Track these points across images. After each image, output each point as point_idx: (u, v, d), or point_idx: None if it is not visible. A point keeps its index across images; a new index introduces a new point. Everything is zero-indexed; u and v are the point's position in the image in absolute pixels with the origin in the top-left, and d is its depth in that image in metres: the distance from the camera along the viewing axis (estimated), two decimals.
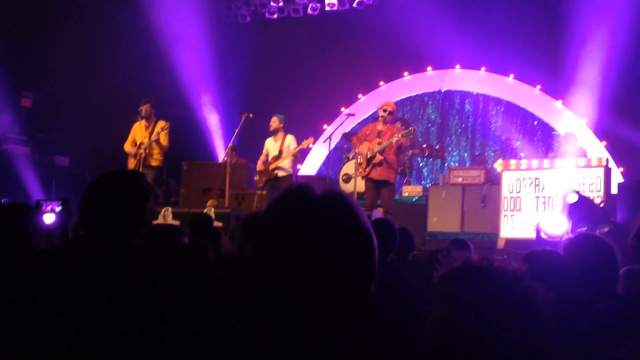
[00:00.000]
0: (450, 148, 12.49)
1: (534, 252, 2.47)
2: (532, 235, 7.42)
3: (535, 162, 8.83)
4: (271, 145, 9.30)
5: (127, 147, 9.42)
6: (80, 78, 11.50)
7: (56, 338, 2.07)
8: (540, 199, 8.41)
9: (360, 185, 9.29)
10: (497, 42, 11.41)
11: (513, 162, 9.05)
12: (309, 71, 12.85)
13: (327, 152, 11.63)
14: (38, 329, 2.09)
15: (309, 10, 13.19)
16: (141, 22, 11.83)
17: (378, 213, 8.02)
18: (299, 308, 1.18)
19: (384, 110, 8.47)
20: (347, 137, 11.51)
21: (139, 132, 9.40)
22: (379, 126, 8.49)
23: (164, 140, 9.24)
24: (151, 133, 9.22)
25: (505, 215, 8.62)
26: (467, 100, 12.61)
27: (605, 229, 6.06)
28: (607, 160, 8.45)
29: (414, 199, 10.08)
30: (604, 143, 10.77)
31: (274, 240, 1.21)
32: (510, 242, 8.34)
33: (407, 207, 9.82)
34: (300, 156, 9.72)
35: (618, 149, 10.45)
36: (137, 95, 9.81)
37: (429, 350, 1.42)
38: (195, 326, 2.51)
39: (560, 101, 11.46)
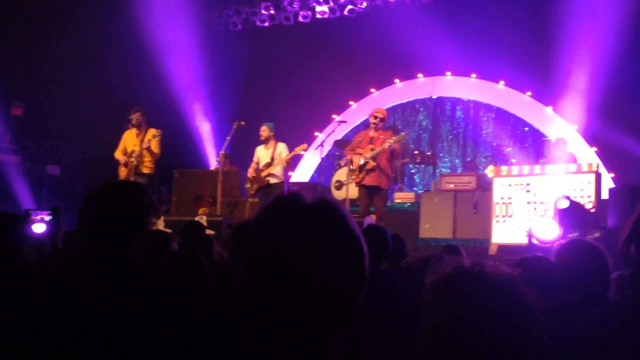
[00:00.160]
0: (441, 154, 12.52)
1: (525, 258, 2.48)
2: (524, 241, 7.45)
3: (526, 168, 8.87)
4: (262, 153, 9.29)
5: (118, 155, 9.39)
6: (71, 87, 11.46)
7: (49, 348, 2.05)
8: (532, 204, 8.44)
9: (352, 192, 9.30)
10: (487, 49, 11.47)
11: (504, 168, 9.09)
12: (300, 79, 12.87)
13: (318, 159, 11.64)
14: (30, 339, 2.08)
15: (300, 18, 13.21)
16: (132, 31, 11.82)
17: (370, 219, 8.02)
18: (290, 316, 1.17)
19: (375, 117, 8.49)
20: (338, 144, 11.52)
21: (130, 140, 9.38)
22: (371, 133, 8.50)
23: (155, 148, 9.23)
24: (142, 141, 9.20)
25: (497, 221, 8.64)
26: (458, 107, 12.66)
27: (596, 235, 6.08)
28: (598, 166, 8.49)
29: (406, 206, 10.09)
30: (595, 149, 10.83)
31: (264, 248, 1.20)
32: (502, 248, 8.37)
33: (399, 213, 9.84)
34: (292, 163, 9.72)
35: (608, 155, 10.51)
36: (128, 103, 9.79)
37: (422, 356, 1.41)
38: (187, 334, 2.49)
39: (550, 107, 11.52)
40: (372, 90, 13.15)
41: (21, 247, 2.88)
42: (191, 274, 2.68)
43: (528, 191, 8.50)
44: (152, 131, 9.26)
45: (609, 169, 10.34)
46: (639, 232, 1.88)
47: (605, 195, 8.04)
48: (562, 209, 6.58)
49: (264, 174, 9.10)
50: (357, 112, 13.08)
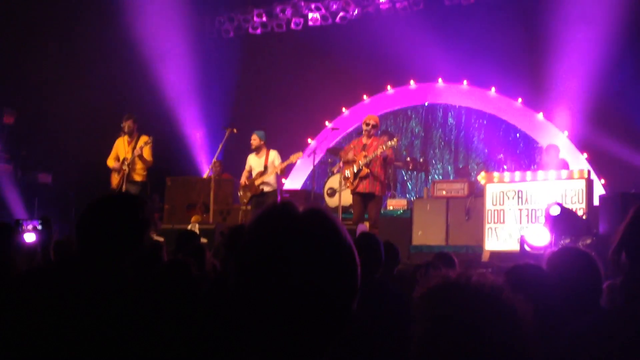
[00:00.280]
0: (434, 161, 12.55)
1: (517, 266, 2.48)
2: (516, 247, 7.46)
3: (518, 175, 8.90)
4: (254, 162, 9.29)
5: (110, 163, 9.37)
6: (63, 94, 11.44)
7: None
8: (524, 211, 8.46)
9: (345, 199, 9.30)
10: (478, 56, 11.53)
11: (496, 174, 9.12)
12: (292, 86, 12.89)
13: (311, 167, 11.65)
14: (24, 350, 2.07)
15: (292, 25, 13.25)
16: (124, 38, 11.81)
17: (363, 227, 8.02)
18: (281, 326, 1.18)
19: (367, 124, 8.51)
20: (331, 151, 11.53)
21: (122, 147, 9.36)
22: (364, 139, 8.52)
23: (147, 155, 9.21)
24: (134, 148, 9.18)
25: (489, 228, 8.66)
26: (450, 114, 12.71)
27: (588, 241, 6.11)
28: (589, 172, 8.53)
29: (398, 213, 10.10)
30: (585, 155, 10.89)
31: (255, 258, 1.21)
32: (495, 255, 8.38)
33: (391, 220, 9.84)
34: (285, 171, 9.73)
35: (598, 161, 10.56)
36: (120, 111, 9.78)
37: None
38: (180, 345, 2.49)
39: (541, 114, 11.58)
40: (365, 97, 13.18)
41: (12, 257, 2.86)
42: (182, 284, 2.68)
43: (520, 198, 8.53)
44: (143, 138, 9.25)
45: (600, 175, 10.38)
46: (629, 239, 1.89)
47: (596, 201, 8.08)
48: (554, 216, 6.61)
49: (257, 182, 9.10)
50: (349, 119, 13.10)
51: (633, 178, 9.35)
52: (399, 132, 12.72)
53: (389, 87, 13.02)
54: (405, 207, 10.13)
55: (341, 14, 12.79)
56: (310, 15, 13.10)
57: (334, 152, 11.33)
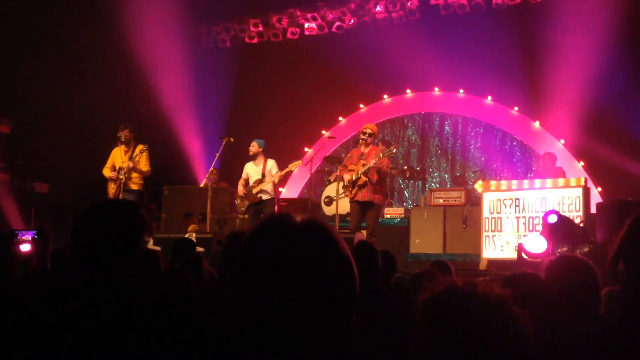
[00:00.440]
0: (430, 169, 12.57)
1: (515, 274, 2.48)
2: (514, 255, 7.47)
3: (515, 183, 8.91)
4: (252, 170, 9.28)
5: (106, 172, 9.35)
6: (59, 104, 11.43)
7: None
8: (521, 219, 8.47)
9: (342, 207, 9.29)
10: (474, 65, 11.57)
11: (493, 183, 9.13)
12: (289, 95, 12.91)
13: (308, 175, 11.65)
14: (19, 358, 2.06)
15: (289, 35, 13.27)
16: (121, 48, 11.82)
17: (361, 235, 8.00)
18: (279, 336, 1.17)
19: (364, 133, 8.52)
20: (328, 160, 11.54)
21: (118, 157, 9.34)
22: (362, 148, 8.52)
23: (144, 165, 9.20)
24: (131, 157, 9.18)
25: (486, 236, 8.66)
26: (446, 122, 12.73)
27: (585, 249, 6.11)
28: (586, 180, 8.54)
29: (395, 221, 10.09)
30: (582, 163, 10.91)
31: (252, 269, 1.20)
32: (492, 263, 8.38)
33: (389, 228, 9.84)
34: (282, 179, 9.72)
35: (596, 169, 10.58)
36: (117, 120, 9.77)
37: None
38: (176, 354, 2.47)
39: (537, 122, 11.61)
40: (361, 105, 13.21)
41: (7, 267, 2.85)
42: (179, 293, 2.67)
43: (517, 206, 8.54)
44: (140, 147, 9.25)
45: (596, 183, 10.40)
46: (627, 249, 1.89)
47: (593, 209, 8.09)
48: (551, 224, 6.61)
49: (255, 190, 9.09)
50: (346, 128, 13.13)
51: (630, 186, 9.36)
52: (396, 140, 12.74)
53: (385, 96, 13.06)
54: (403, 216, 10.13)
55: (337, 23, 12.83)
56: (306, 24, 13.14)
57: (331, 161, 11.34)
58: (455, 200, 9.66)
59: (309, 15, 13.04)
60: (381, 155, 8.17)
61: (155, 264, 3.51)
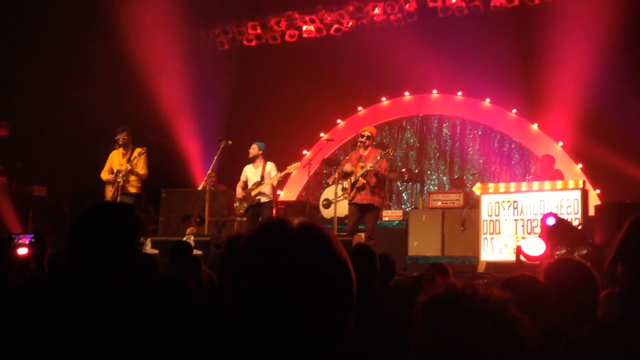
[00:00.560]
0: (429, 172, 12.57)
1: (513, 277, 2.48)
2: (512, 258, 7.46)
3: (513, 185, 8.92)
4: (251, 172, 9.28)
5: (104, 175, 9.35)
6: (57, 107, 11.41)
7: None
8: (519, 221, 8.47)
9: (340, 210, 9.28)
10: (473, 67, 11.57)
11: (491, 185, 9.14)
12: (287, 97, 12.91)
13: (306, 178, 11.65)
14: None
15: (287, 37, 13.28)
16: (119, 50, 11.81)
17: (359, 238, 8.00)
18: (277, 341, 1.17)
19: (362, 136, 8.52)
20: (326, 162, 11.54)
21: (116, 160, 9.34)
22: (361, 151, 8.52)
23: (141, 168, 9.21)
24: (129, 161, 9.17)
25: (485, 239, 8.66)
26: (444, 125, 12.73)
27: (584, 251, 6.11)
28: (584, 183, 8.55)
29: (394, 223, 10.10)
30: (580, 165, 10.91)
31: (250, 274, 1.20)
32: (491, 265, 8.38)
33: (387, 231, 9.83)
34: (281, 182, 9.72)
35: (594, 171, 10.59)
36: (115, 123, 9.76)
37: None
38: (174, 357, 2.47)
39: (536, 124, 11.61)
40: (360, 108, 13.21)
41: (4, 271, 2.84)
42: (180, 298, 2.66)
43: (515, 208, 8.54)
44: (138, 150, 9.26)
45: (595, 185, 10.41)
46: (625, 251, 1.89)
47: (591, 212, 8.09)
48: (550, 226, 6.61)
49: (254, 192, 9.09)
50: (344, 130, 13.13)
51: (628, 188, 9.36)
52: (394, 143, 12.75)
53: (383, 98, 13.06)
54: (401, 218, 10.14)
55: (336, 26, 12.84)
56: (304, 27, 13.14)
57: (330, 163, 11.34)
58: (453, 203, 9.66)
59: (307, 18, 13.04)
60: (378, 158, 8.17)
61: (154, 269, 3.50)
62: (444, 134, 12.72)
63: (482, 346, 1.35)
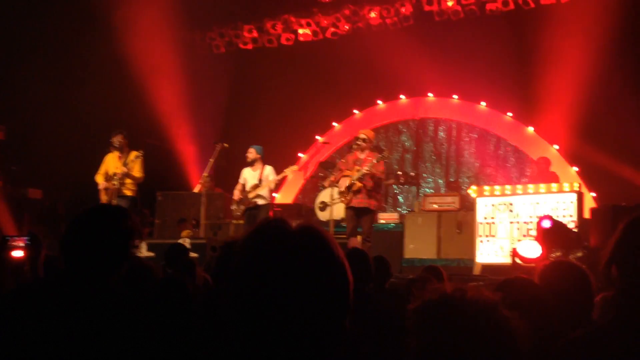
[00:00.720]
0: (425, 175, 12.58)
1: (508, 279, 2.48)
2: (507, 260, 7.47)
3: (509, 188, 8.93)
4: (249, 175, 9.30)
5: (99, 179, 9.33)
6: (53, 110, 11.39)
7: None
8: (515, 224, 8.49)
9: (336, 213, 9.29)
10: (468, 71, 11.59)
11: (487, 188, 9.15)
12: (283, 100, 12.92)
13: (302, 181, 11.65)
14: None
15: (283, 41, 13.29)
16: (115, 54, 11.80)
17: (355, 241, 8.01)
18: (273, 342, 1.17)
19: (357, 138, 8.54)
20: (322, 165, 11.55)
21: (111, 163, 9.32)
22: (358, 154, 8.53)
23: (137, 171, 9.20)
24: (124, 164, 9.16)
25: (480, 241, 8.67)
26: (440, 128, 12.75)
27: (579, 254, 6.13)
28: (580, 185, 8.57)
29: (390, 226, 10.10)
30: (576, 168, 10.93)
31: (247, 275, 1.20)
32: (486, 268, 8.40)
33: (383, 234, 9.84)
34: (278, 185, 9.74)
35: (590, 174, 10.61)
36: (110, 126, 9.75)
37: None
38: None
39: (531, 127, 11.64)
40: (355, 111, 13.22)
41: None
42: (177, 301, 2.66)
43: (511, 211, 8.55)
44: (134, 154, 9.24)
45: (590, 188, 10.43)
46: (620, 253, 1.89)
47: (587, 214, 8.11)
48: (545, 229, 6.62)
49: (251, 195, 9.11)
50: (340, 133, 13.14)
51: (623, 191, 9.39)
52: (390, 146, 12.76)
53: (379, 101, 13.08)
54: (397, 221, 10.14)
55: (332, 29, 12.86)
56: (300, 30, 13.16)
57: (326, 166, 11.34)
58: (449, 206, 9.67)
59: (303, 22, 13.06)
60: (375, 162, 8.18)
61: (150, 274, 3.49)
62: (439, 137, 12.74)
63: (475, 347, 1.35)
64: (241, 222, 9.46)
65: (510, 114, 11.89)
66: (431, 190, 12.28)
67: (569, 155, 11.06)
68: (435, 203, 9.81)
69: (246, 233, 1.28)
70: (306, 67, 12.85)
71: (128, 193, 9.19)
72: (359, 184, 8.22)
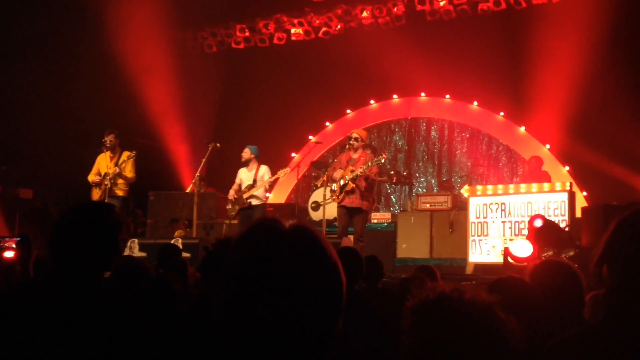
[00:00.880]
0: (417, 174, 12.60)
1: (500, 279, 2.49)
2: (500, 259, 7.49)
3: (501, 188, 8.96)
4: (245, 175, 9.30)
5: (91, 178, 9.30)
6: (44, 110, 11.35)
7: None
8: (507, 223, 8.51)
9: (329, 212, 9.29)
10: (460, 71, 11.62)
11: (479, 187, 9.18)
12: (276, 100, 12.91)
13: (295, 180, 11.65)
14: None
15: (275, 40, 13.28)
16: (106, 53, 11.76)
17: (347, 241, 8.01)
18: (265, 343, 1.16)
19: (349, 138, 8.54)
20: (315, 165, 11.54)
21: (103, 163, 9.30)
22: (352, 154, 8.52)
23: (129, 172, 9.18)
24: (116, 164, 9.13)
25: (473, 241, 8.69)
26: (432, 127, 12.77)
27: (571, 253, 6.15)
28: (571, 185, 8.60)
29: (382, 226, 10.11)
30: (567, 167, 10.98)
31: (240, 274, 1.19)
32: (479, 267, 8.42)
33: (376, 233, 9.85)
34: (272, 185, 9.74)
35: (581, 174, 10.65)
36: (102, 126, 9.72)
37: None
38: None
39: (523, 127, 11.67)
40: (348, 111, 13.23)
41: None
42: (165, 301, 2.65)
43: (503, 210, 8.58)
44: (126, 153, 9.22)
45: (582, 187, 10.47)
46: (611, 252, 1.90)
47: (578, 213, 8.14)
48: (537, 228, 6.63)
49: (245, 195, 9.11)
50: (333, 133, 13.14)
51: (615, 190, 9.43)
52: (383, 145, 12.77)
53: (372, 101, 13.09)
54: (390, 220, 10.15)
55: (324, 29, 12.85)
56: (293, 30, 13.14)
57: (318, 166, 11.34)
58: (441, 205, 9.69)
59: (295, 21, 13.05)
60: (370, 164, 8.19)
61: (144, 274, 3.48)
62: (432, 137, 12.76)
63: (470, 348, 1.35)
64: (235, 222, 9.45)
65: (502, 113, 11.92)
66: (424, 190, 12.30)
67: (560, 155, 11.10)
68: (428, 202, 9.83)
69: (239, 232, 1.28)
70: (298, 66, 12.85)
71: (119, 193, 9.17)
72: (352, 185, 8.22)
